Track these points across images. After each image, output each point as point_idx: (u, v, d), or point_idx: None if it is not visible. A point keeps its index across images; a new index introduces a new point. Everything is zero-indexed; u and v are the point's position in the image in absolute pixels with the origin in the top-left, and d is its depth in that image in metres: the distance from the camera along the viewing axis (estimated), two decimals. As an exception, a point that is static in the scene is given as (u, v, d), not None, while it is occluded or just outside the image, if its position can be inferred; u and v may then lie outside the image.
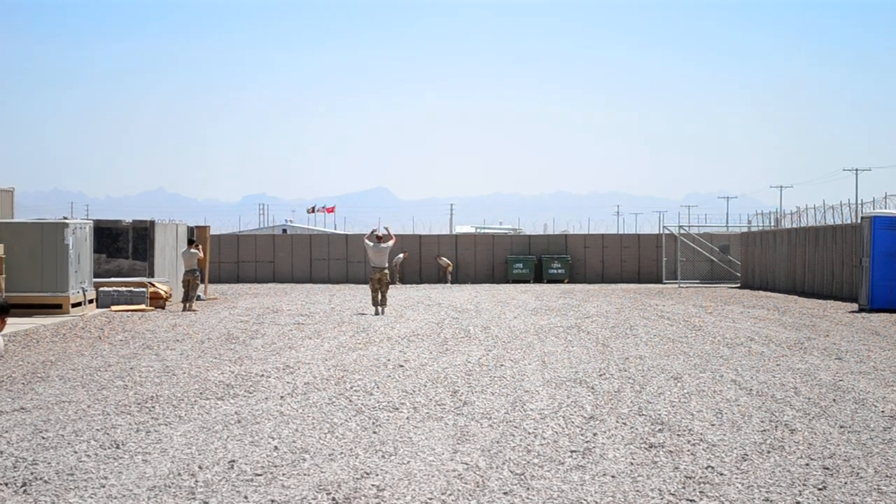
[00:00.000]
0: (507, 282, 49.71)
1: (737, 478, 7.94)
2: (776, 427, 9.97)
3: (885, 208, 34.39)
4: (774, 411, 10.86)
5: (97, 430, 9.79)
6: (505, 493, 7.47)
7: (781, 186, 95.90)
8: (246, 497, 7.35)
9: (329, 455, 8.69)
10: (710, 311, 27.23)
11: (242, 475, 7.98)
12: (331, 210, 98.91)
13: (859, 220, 32.03)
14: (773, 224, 49.17)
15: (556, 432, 9.71)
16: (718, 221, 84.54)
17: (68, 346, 17.69)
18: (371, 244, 26.46)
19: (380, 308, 25.59)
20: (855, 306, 28.85)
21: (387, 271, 25.89)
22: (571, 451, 8.85)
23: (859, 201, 41.12)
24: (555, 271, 50.16)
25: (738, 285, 46.40)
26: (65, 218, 29.90)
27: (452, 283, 49.75)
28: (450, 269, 50.11)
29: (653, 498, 7.37)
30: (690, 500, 7.31)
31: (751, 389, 12.42)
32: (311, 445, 9.08)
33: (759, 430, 9.84)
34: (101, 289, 27.23)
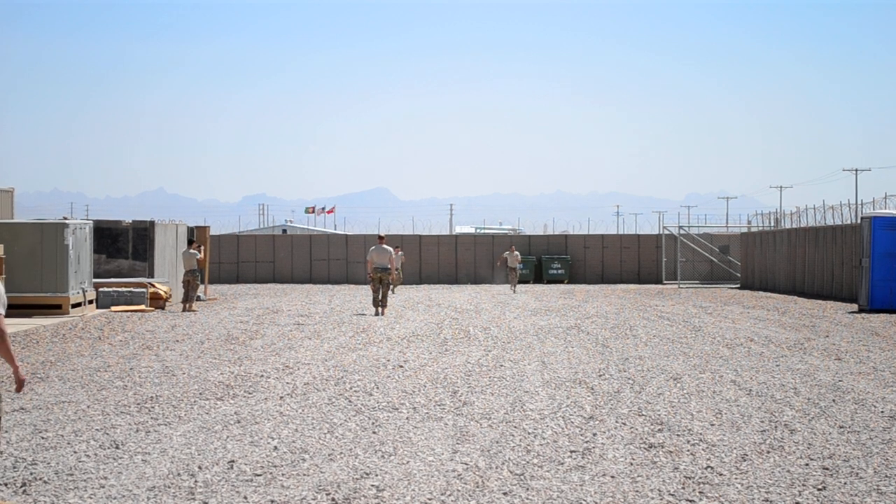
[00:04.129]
0: (507, 282, 49.71)
1: (736, 478, 7.93)
2: (776, 427, 9.97)
3: (885, 208, 34.40)
4: (774, 411, 10.86)
5: (97, 430, 9.79)
6: (504, 494, 7.46)
7: (781, 186, 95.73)
8: (245, 497, 7.35)
9: (329, 455, 8.69)
10: (709, 311, 27.23)
11: (242, 475, 7.98)
12: (331, 211, 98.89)
13: (859, 221, 32.03)
14: (772, 224, 49.19)
15: (556, 432, 9.71)
16: (718, 222, 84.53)
17: (68, 346, 17.69)
18: (373, 246, 26.47)
19: (380, 309, 25.57)
20: (855, 307, 28.85)
21: (388, 272, 25.84)
22: (571, 452, 8.85)
23: (859, 201, 41.13)
24: (555, 272, 50.16)
25: (738, 286, 46.41)
26: (65, 218, 29.90)
27: (517, 283, 41.90)
28: (516, 270, 40.76)
29: (652, 498, 7.37)
30: (690, 501, 7.31)
31: (750, 390, 12.42)
32: (310, 446, 9.08)
33: (759, 430, 9.84)
34: (101, 289, 27.23)
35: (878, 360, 15.68)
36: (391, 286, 39.05)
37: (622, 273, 51.23)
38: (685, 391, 12.30)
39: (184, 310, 27.29)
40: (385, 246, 26.31)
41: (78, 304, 24.98)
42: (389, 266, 25.91)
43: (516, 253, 41.06)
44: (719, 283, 48.52)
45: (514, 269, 40.62)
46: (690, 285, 46.88)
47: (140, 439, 9.35)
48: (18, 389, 7.13)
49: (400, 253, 40.13)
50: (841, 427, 10.01)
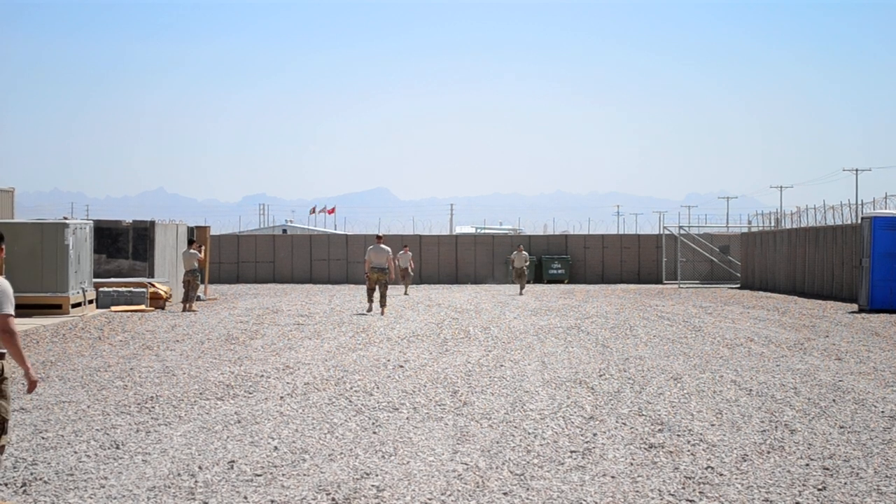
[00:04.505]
0: (508, 282, 49.71)
1: (737, 478, 7.93)
2: (776, 427, 9.97)
3: (885, 208, 34.41)
4: (774, 411, 10.86)
5: (97, 430, 9.79)
6: (505, 494, 7.46)
7: (781, 186, 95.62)
8: (246, 497, 7.35)
9: (329, 455, 8.69)
10: (709, 311, 27.23)
11: (242, 475, 7.98)
12: (331, 211, 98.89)
13: (859, 221, 32.03)
14: (773, 224, 49.18)
15: (556, 432, 9.71)
16: (718, 222, 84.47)
17: (68, 346, 17.69)
18: (371, 246, 26.45)
19: (376, 305, 25.55)
20: (855, 307, 28.85)
21: (386, 272, 25.82)
22: (571, 452, 8.85)
23: (859, 201, 41.13)
24: (555, 272, 50.15)
25: (738, 286, 46.40)
26: (65, 218, 29.90)
27: (525, 283, 39.76)
28: (524, 271, 38.88)
29: (653, 498, 7.37)
30: (690, 501, 7.31)
31: (751, 390, 12.42)
32: (310, 446, 9.08)
33: (759, 430, 9.84)
34: (101, 289, 27.23)
35: (879, 360, 15.68)
36: (404, 287, 39.10)
37: (622, 273, 51.22)
38: (685, 391, 12.30)
39: (184, 310, 27.29)
40: (383, 246, 26.30)
41: (78, 304, 24.98)
42: (387, 266, 25.89)
43: (524, 253, 39.22)
44: (719, 283, 48.51)
45: (519, 270, 38.92)
46: (690, 285, 46.87)
47: (140, 439, 9.35)
48: (30, 390, 7.18)
49: (409, 254, 39.45)
50: (841, 427, 10.01)
